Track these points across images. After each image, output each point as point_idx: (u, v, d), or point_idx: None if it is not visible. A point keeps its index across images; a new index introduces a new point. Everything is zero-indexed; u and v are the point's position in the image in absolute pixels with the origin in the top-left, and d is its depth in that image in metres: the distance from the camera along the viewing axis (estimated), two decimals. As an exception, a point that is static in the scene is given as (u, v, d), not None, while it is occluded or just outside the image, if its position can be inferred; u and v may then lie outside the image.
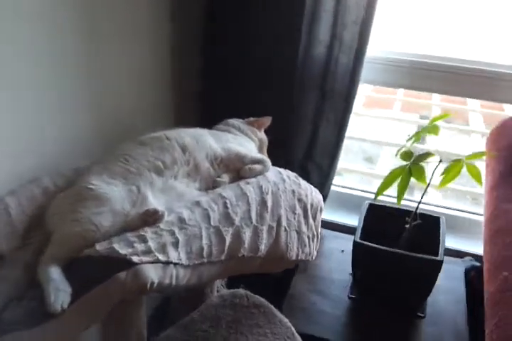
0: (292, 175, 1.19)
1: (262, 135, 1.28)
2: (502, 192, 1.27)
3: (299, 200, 1.15)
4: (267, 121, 1.29)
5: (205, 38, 1.54)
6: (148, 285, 0.83)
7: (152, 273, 0.84)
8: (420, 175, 1.32)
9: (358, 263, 1.41)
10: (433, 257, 1.31)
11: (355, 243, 1.36)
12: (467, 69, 1.61)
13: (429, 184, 1.33)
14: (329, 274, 1.61)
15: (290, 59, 1.52)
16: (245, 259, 1.02)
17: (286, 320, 1.19)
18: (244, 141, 1.19)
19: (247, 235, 1.01)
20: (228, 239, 0.98)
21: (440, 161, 1.30)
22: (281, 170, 1.19)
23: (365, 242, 1.35)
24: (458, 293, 1.55)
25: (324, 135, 1.63)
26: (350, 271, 1.58)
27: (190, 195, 1.01)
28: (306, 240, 1.17)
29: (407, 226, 1.42)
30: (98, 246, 0.85)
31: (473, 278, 1.63)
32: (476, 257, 1.69)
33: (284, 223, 1.10)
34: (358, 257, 1.40)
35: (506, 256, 1.06)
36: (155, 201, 0.94)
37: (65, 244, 0.87)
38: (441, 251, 1.33)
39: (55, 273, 0.83)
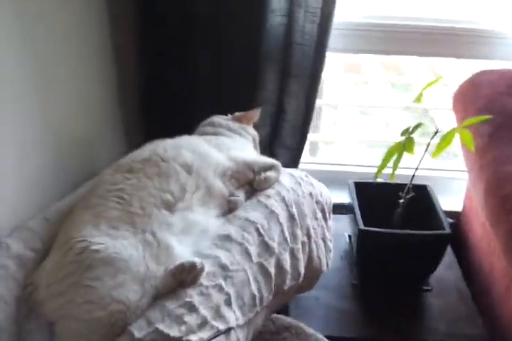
0: (303, 174, 1.02)
1: (253, 131, 1.08)
2: (498, 154, 1.22)
3: (317, 203, 0.99)
4: (256, 113, 1.08)
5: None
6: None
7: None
8: (411, 146, 1.24)
9: (363, 249, 1.31)
10: (441, 231, 1.25)
11: (360, 231, 1.25)
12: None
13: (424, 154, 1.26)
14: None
15: (243, 33, 1.30)
16: (287, 290, 0.85)
17: (320, 336, 1.06)
18: (242, 143, 0.97)
19: (288, 262, 0.83)
20: (273, 274, 0.79)
21: (437, 131, 1.22)
22: (292, 170, 1.01)
23: (372, 228, 1.25)
24: (447, 254, 1.52)
25: (292, 114, 1.46)
26: (341, 254, 1.49)
27: (213, 227, 0.79)
28: (330, 245, 1.02)
29: (401, 201, 1.34)
30: (137, 332, 0.62)
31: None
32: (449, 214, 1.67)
33: (312, 234, 0.93)
34: (363, 244, 1.29)
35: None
36: (181, 248, 0.72)
37: (85, 338, 0.62)
38: (445, 223, 1.27)
39: None
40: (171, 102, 1.36)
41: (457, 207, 1.66)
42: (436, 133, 1.22)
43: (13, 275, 0.69)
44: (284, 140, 1.51)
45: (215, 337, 0.64)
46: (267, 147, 1.52)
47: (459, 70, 2.65)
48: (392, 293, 1.33)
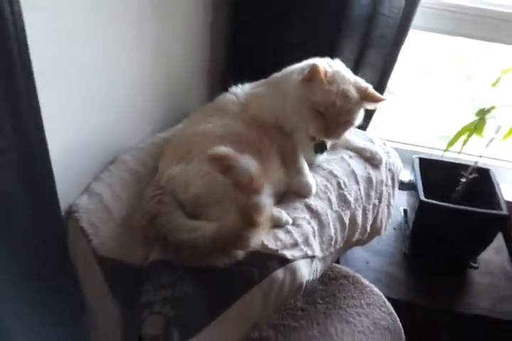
0: (382, 142, 1.16)
1: None
2: None
3: (389, 170, 1.13)
4: None
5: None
6: (304, 285, 0.80)
7: (305, 270, 0.81)
8: (481, 128, 1.35)
9: (420, 221, 1.44)
10: (499, 211, 1.37)
11: (421, 202, 1.38)
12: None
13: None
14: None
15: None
16: (353, 242, 1.01)
17: (375, 288, 1.22)
18: None
19: (359, 218, 0.99)
20: (347, 224, 0.95)
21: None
22: (373, 136, 1.15)
23: (433, 201, 1.38)
24: (498, 239, 1.64)
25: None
26: (395, 226, 1.63)
27: None
28: (392, 211, 1.17)
29: (463, 179, 1.46)
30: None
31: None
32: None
33: (383, 199, 1.08)
34: (422, 215, 1.42)
35: None
36: None
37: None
38: (503, 204, 1.39)
39: None
40: (253, 60, 1.50)
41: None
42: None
43: (129, 185, 0.90)
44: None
45: (302, 258, 0.81)
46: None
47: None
48: (440, 266, 1.48)
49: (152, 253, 0.85)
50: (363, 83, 0.95)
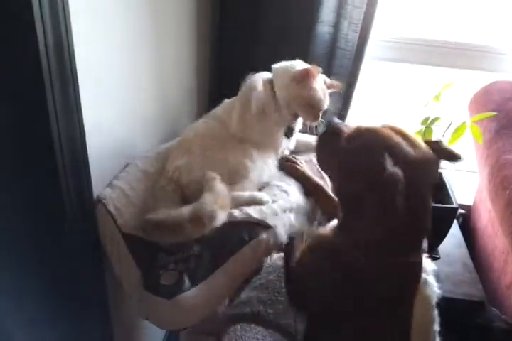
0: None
1: None
2: (501, 146, 1.64)
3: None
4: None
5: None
6: (284, 244, 1.08)
7: (283, 233, 1.09)
8: (429, 136, 1.67)
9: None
10: (449, 205, 1.67)
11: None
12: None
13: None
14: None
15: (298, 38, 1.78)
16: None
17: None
18: None
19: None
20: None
21: (450, 124, 1.65)
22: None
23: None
24: (457, 236, 1.94)
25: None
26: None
27: None
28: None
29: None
30: (236, 213, 1.11)
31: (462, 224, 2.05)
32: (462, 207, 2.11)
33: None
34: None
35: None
36: None
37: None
38: (454, 199, 1.70)
39: None
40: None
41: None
42: (450, 124, 1.65)
43: (141, 180, 1.20)
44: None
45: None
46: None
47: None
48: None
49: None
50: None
